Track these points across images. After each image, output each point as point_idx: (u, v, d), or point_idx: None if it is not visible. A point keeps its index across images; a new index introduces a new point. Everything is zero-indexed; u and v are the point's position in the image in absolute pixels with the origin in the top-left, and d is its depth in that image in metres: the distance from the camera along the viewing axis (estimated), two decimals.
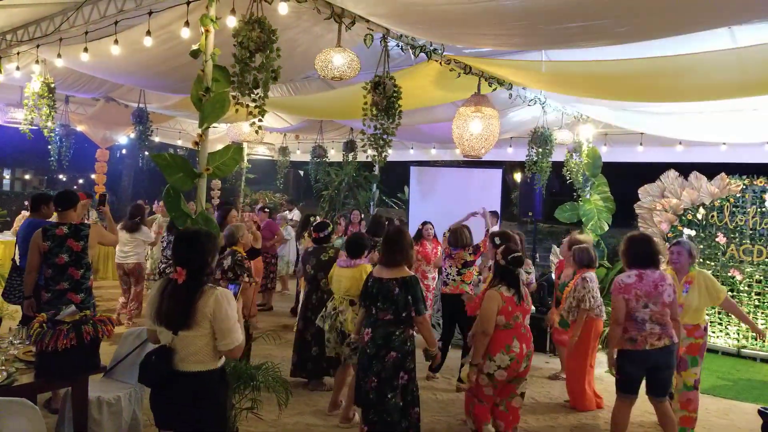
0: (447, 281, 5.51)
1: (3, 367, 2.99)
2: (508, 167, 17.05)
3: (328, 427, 4.26)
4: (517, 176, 18.56)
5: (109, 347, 4.45)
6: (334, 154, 11.06)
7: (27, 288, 4.26)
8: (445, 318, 5.66)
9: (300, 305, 5.24)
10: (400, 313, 3.50)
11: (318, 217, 7.82)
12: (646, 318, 3.75)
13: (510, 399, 3.93)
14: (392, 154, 4.98)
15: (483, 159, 5.92)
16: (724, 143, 7.46)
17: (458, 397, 5.06)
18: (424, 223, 7.11)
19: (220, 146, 3.61)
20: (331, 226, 5.26)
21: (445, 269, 5.53)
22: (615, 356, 3.86)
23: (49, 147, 7.85)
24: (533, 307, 4.29)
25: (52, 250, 4.13)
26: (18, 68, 5.96)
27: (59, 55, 5.26)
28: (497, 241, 4.58)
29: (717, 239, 7.17)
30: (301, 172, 13.19)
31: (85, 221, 5.68)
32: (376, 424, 3.53)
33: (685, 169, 7.56)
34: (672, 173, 7.57)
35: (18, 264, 4.72)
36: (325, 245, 5.07)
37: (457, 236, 5.51)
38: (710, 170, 7.38)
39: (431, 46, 4.83)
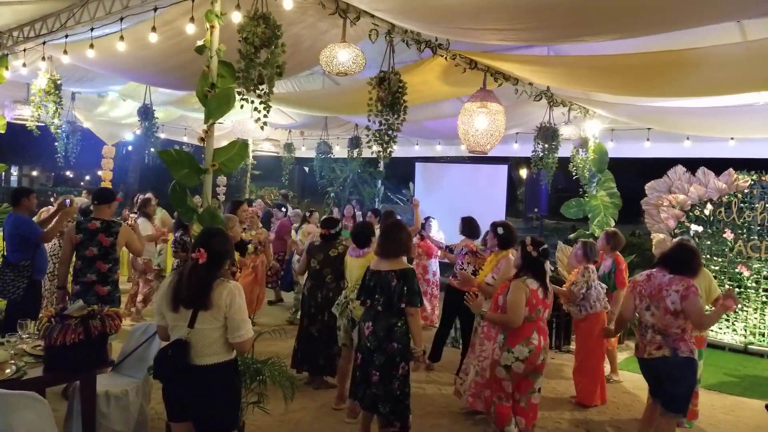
0: (457, 274, 5.43)
1: (12, 362, 3.02)
2: (513, 163, 16.99)
3: (334, 422, 4.28)
4: (523, 172, 18.49)
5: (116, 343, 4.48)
6: (339, 151, 11.05)
7: (60, 279, 4.51)
8: (446, 310, 5.61)
9: (302, 301, 5.17)
10: (394, 305, 3.51)
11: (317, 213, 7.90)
12: (648, 324, 3.64)
13: (529, 395, 3.86)
14: (397, 150, 4.95)
15: (489, 155, 5.89)
16: (732, 138, 7.39)
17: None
18: (427, 218, 7.20)
19: (225, 142, 3.62)
20: (340, 225, 5.20)
21: (461, 263, 5.40)
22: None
23: (56, 144, 7.89)
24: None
25: (83, 243, 4.32)
26: (24, 65, 5.99)
27: (65, 52, 5.28)
28: (500, 231, 4.55)
29: (724, 235, 7.12)
30: (306, 169, 13.20)
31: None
32: (387, 414, 3.55)
33: (692, 165, 7.50)
34: (679, 169, 7.51)
35: (9, 260, 4.80)
36: (334, 241, 5.02)
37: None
38: (718, 165, 7.31)
39: (436, 41, 4.81)
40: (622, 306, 3.86)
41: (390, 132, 4.41)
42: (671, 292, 3.52)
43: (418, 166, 11.02)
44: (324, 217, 5.93)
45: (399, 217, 7.16)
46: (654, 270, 3.74)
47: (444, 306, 5.65)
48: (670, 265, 3.64)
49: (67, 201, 5.25)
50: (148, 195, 7.48)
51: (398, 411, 3.56)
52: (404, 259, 3.69)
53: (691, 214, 7.38)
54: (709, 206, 7.24)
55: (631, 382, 5.61)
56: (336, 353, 4.89)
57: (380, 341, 3.54)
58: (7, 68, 6.02)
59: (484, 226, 5.92)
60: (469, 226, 5.59)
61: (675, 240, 4.02)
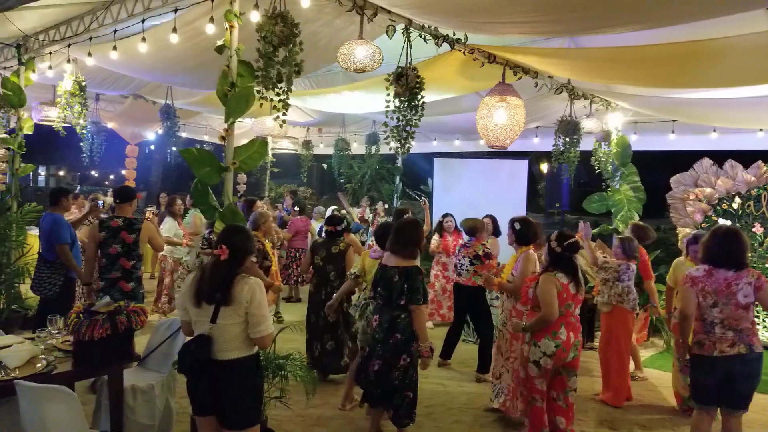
0: (461, 272, 5.43)
1: (43, 356, 3.11)
2: (534, 158, 16.80)
3: (355, 417, 4.30)
4: (544, 167, 18.28)
5: (141, 337, 4.57)
6: (357, 147, 11.07)
7: (86, 276, 4.65)
8: (456, 308, 5.63)
9: (308, 297, 5.19)
10: (393, 301, 3.52)
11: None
12: (716, 321, 3.35)
13: (566, 394, 3.78)
14: (415, 146, 4.94)
15: (508, 149, 5.84)
16: (761, 129, 7.20)
17: (484, 389, 5.05)
18: (445, 215, 7.15)
19: (245, 141, 3.65)
20: (345, 222, 5.22)
21: (459, 259, 5.45)
22: (686, 355, 3.49)
23: (82, 144, 8.06)
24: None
25: (107, 241, 4.44)
26: (50, 67, 6.13)
27: (89, 54, 5.39)
28: (517, 226, 4.50)
29: (753, 229, 6.94)
30: (325, 166, 13.25)
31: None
32: (380, 399, 3.63)
33: (719, 157, 7.32)
34: (706, 161, 7.34)
35: (46, 257, 4.95)
36: (338, 238, 5.06)
37: (474, 226, 5.48)
38: (746, 158, 7.12)
39: (454, 35, 4.78)
40: (683, 304, 3.49)
41: (408, 128, 4.39)
42: (743, 286, 3.32)
43: (436, 162, 10.94)
44: (329, 214, 5.95)
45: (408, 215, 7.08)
46: (708, 266, 3.46)
47: (454, 303, 5.68)
48: (727, 261, 3.40)
49: (100, 202, 5.40)
50: (176, 196, 7.56)
51: (397, 402, 3.59)
52: (414, 257, 3.64)
53: (718, 207, 7.20)
54: (738, 200, 7.06)
55: (656, 380, 5.51)
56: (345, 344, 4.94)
57: (386, 332, 3.56)
58: (33, 71, 6.17)
59: (504, 222, 5.88)
60: (469, 227, 5.56)
61: (707, 232, 3.65)
